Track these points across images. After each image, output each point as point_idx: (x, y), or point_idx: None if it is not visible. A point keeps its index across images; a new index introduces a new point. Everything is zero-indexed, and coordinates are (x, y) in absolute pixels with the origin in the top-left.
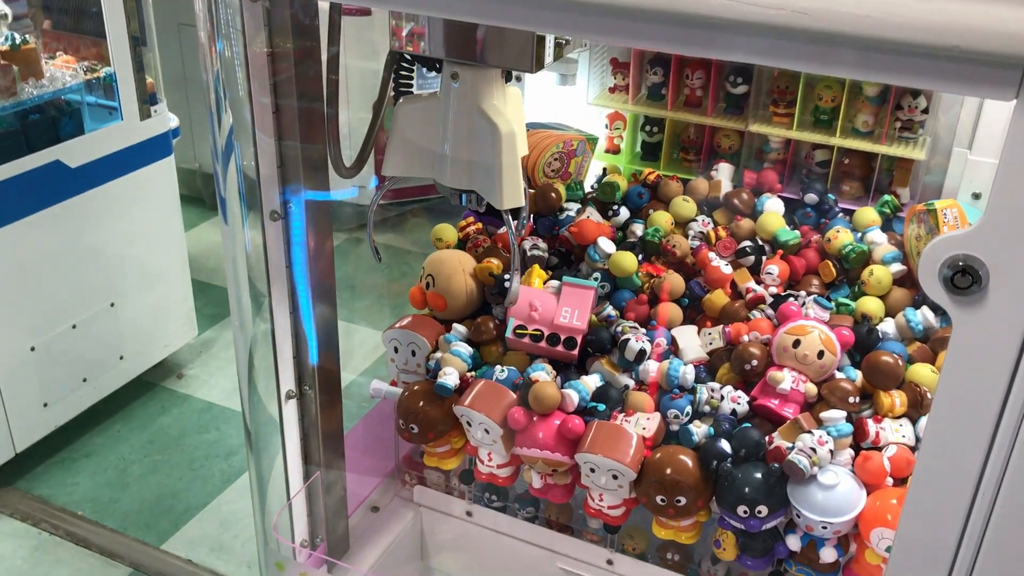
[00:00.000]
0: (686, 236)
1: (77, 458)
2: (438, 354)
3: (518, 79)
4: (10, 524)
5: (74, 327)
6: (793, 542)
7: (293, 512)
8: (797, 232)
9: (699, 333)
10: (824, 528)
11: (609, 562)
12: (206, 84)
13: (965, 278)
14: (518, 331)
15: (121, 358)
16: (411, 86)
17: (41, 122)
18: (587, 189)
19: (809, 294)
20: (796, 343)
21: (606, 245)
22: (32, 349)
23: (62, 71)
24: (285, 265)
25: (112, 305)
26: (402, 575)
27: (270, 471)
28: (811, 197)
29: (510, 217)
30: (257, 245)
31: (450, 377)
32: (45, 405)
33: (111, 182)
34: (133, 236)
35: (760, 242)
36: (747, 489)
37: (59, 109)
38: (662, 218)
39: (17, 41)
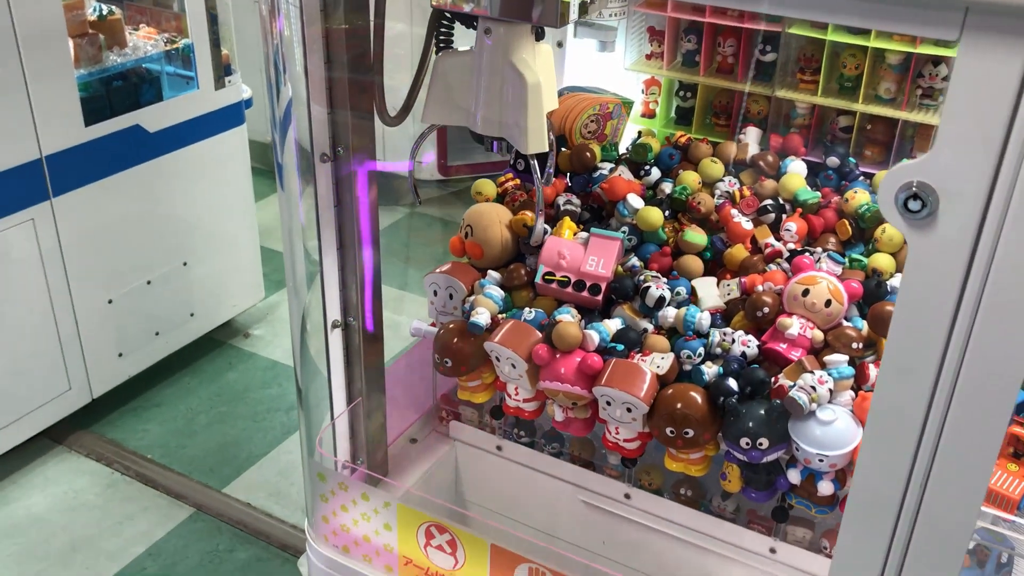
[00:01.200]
0: (712, 196)
1: (148, 407)
2: (473, 297)
3: (559, 44)
4: (86, 463)
5: (149, 283)
6: (793, 475)
7: (336, 433)
8: (817, 193)
9: (718, 285)
10: (821, 461)
11: (627, 496)
12: (266, 57)
13: (917, 202)
14: (547, 277)
15: (192, 315)
16: (451, 42)
17: (123, 88)
18: (621, 151)
19: (825, 251)
20: (805, 292)
21: (635, 201)
22: (109, 302)
23: (144, 41)
24: (333, 204)
25: (185, 264)
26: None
27: (318, 399)
28: (833, 160)
29: (535, 162)
30: (309, 208)
31: (482, 316)
32: (120, 355)
33: (187, 147)
34: (206, 200)
35: (781, 201)
36: (750, 423)
37: (140, 77)
38: (690, 178)
39: (104, 12)
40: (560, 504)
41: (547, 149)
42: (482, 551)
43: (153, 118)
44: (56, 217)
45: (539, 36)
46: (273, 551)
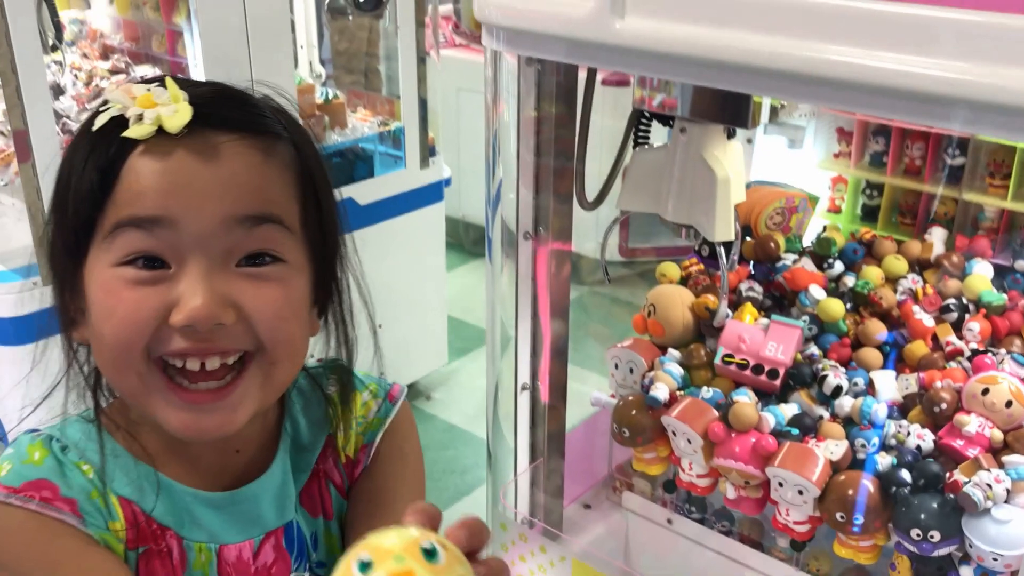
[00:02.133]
0: (895, 292)
1: None
2: (653, 372)
3: (749, 141)
4: None
5: None
6: (966, 572)
7: (518, 489)
8: (1004, 295)
9: (896, 379)
10: (995, 560)
11: None
12: (486, 140)
13: None
14: (726, 359)
15: (381, 374)
16: (648, 138)
17: (341, 164)
18: (805, 244)
19: (1008, 352)
20: (985, 391)
21: (816, 292)
22: (311, 356)
23: (361, 123)
24: (531, 277)
25: (380, 327)
26: (605, 566)
27: (503, 459)
28: (1021, 264)
29: (722, 249)
30: (510, 280)
31: (661, 391)
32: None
33: (391, 219)
34: (404, 268)
35: (965, 302)
36: (922, 515)
37: (356, 155)
38: (873, 273)
39: (329, 96)
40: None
41: (733, 238)
42: None
43: (364, 192)
44: None
45: (731, 135)
46: None
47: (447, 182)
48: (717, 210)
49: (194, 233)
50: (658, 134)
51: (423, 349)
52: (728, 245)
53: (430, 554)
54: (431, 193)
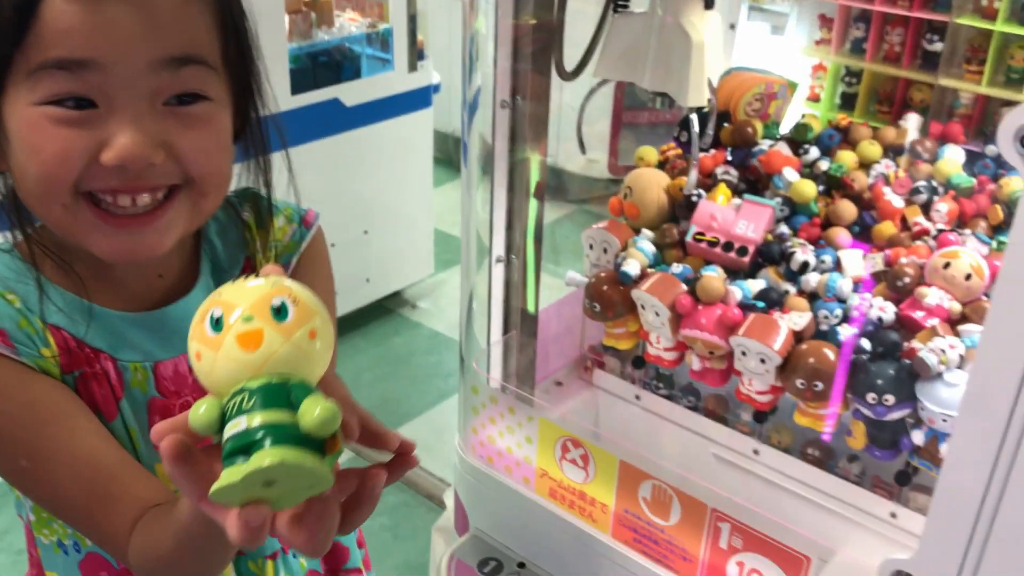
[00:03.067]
0: (867, 176)
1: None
2: (625, 252)
3: (732, 27)
4: None
5: (333, 246)
6: (917, 436)
7: (490, 360)
8: (972, 179)
9: (863, 257)
10: (945, 421)
11: (755, 452)
12: (463, 41)
13: None
14: (697, 236)
15: (367, 281)
16: (627, 5)
17: (327, 64)
18: (783, 131)
19: (973, 233)
20: (947, 264)
21: (790, 174)
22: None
23: (349, 23)
24: (507, 149)
25: (365, 233)
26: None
27: (478, 336)
28: (992, 149)
29: (694, 117)
30: (487, 201)
31: (632, 267)
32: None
33: (378, 123)
34: (391, 175)
35: (935, 185)
36: (878, 380)
37: (343, 55)
38: (848, 157)
39: None
40: (691, 456)
41: (704, 104)
42: (611, 467)
43: (351, 93)
44: None
45: (708, 5)
46: (420, 499)
47: (436, 88)
48: (691, 75)
49: (122, 76)
50: (639, 3)
51: (409, 259)
52: (703, 118)
53: (279, 312)
54: (419, 98)
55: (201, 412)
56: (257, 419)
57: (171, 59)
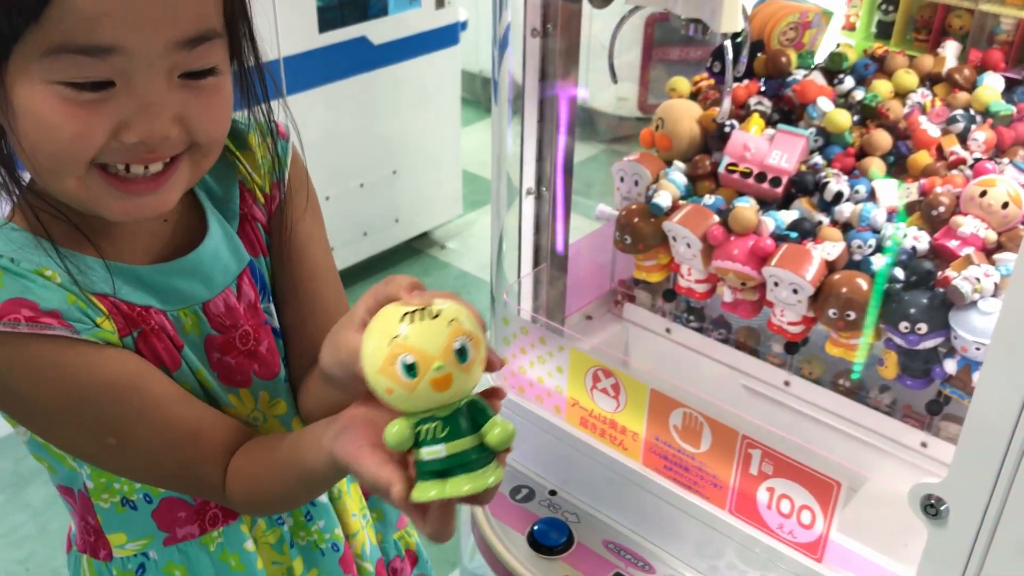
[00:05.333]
0: (903, 106)
1: (351, 299)
2: (656, 184)
3: None
4: None
5: (362, 186)
6: (950, 365)
7: (521, 292)
8: (1012, 106)
9: (898, 187)
10: (978, 350)
11: (786, 383)
12: None
13: None
14: (730, 167)
15: (396, 221)
16: None
17: (354, 2)
18: (818, 60)
19: (1011, 161)
20: (983, 193)
21: (824, 104)
22: (327, 199)
23: None
24: (538, 80)
25: (394, 173)
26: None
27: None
28: None
29: (728, 44)
30: (517, 136)
31: (663, 198)
32: (332, 248)
33: (405, 62)
34: (419, 115)
35: (973, 113)
36: (911, 309)
37: None
38: (883, 87)
39: None
40: (721, 388)
41: (738, 30)
42: (642, 395)
43: (378, 31)
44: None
45: None
46: None
47: (463, 26)
48: (724, 0)
49: (142, 58)
50: None
51: (438, 199)
52: (738, 47)
53: (461, 354)
54: (446, 36)
55: (394, 432)
56: (452, 448)
57: (187, 40)
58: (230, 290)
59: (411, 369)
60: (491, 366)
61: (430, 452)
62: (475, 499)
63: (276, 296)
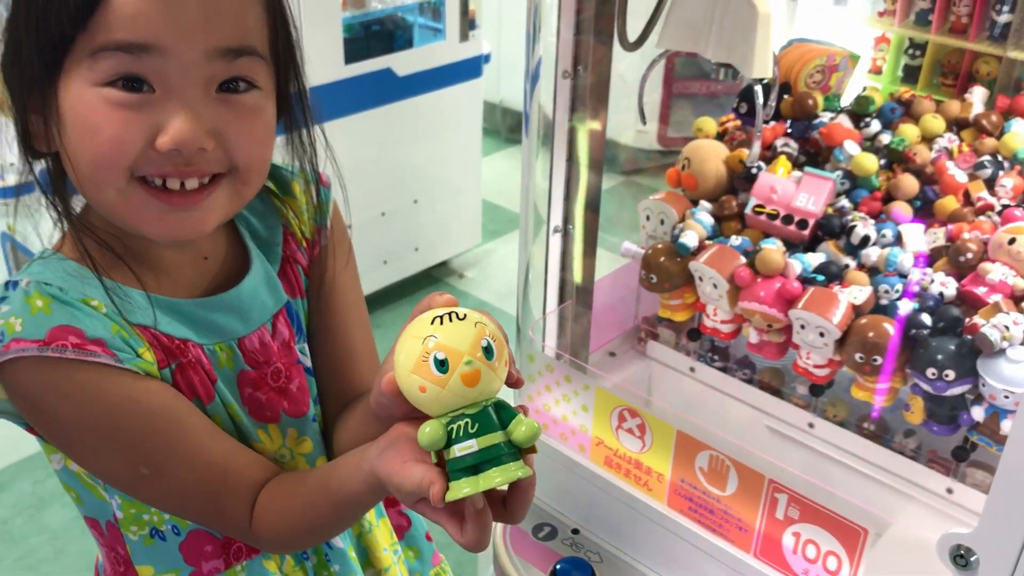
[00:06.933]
0: (931, 149)
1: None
2: (683, 223)
3: None
4: None
5: (383, 215)
6: (977, 412)
7: (546, 328)
8: None
9: (925, 232)
10: (1007, 398)
11: (810, 425)
12: (528, 12)
13: None
14: (756, 209)
15: (416, 250)
16: None
17: (380, 33)
18: (844, 103)
19: None
20: (1012, 240)
21: (851, 147)
22: (349, 227)
23: None
24: (568, 119)
25: (415, 202)
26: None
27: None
28: None
29: (759, 88)
30: (546, 171)
31: (690, 238)
32: None
33: (429, 93)
34: (440, 144)
35: (1000, 159)
36: (938, 355)
37: (395, 24)
38: (910, 131)
39: None
40: (745, 429)
41: (769, 75)
42: (668, 436)
43: (403, 63)
44: None
45: None
46: None
47: (486, 58)
48: (756, 46)
49: (181, 62)
50: None
51: (458, 228)
52: (766, 89)
53: (488, 351)
54: (470, 68)
55: (428, 432)
56: (482, 442)
57: (227, 49)
58: (265, 328)
59: (443, 365)
60: (513, 382)
61: (462, 448)
62: (508, 516)
63: (311, 337)
